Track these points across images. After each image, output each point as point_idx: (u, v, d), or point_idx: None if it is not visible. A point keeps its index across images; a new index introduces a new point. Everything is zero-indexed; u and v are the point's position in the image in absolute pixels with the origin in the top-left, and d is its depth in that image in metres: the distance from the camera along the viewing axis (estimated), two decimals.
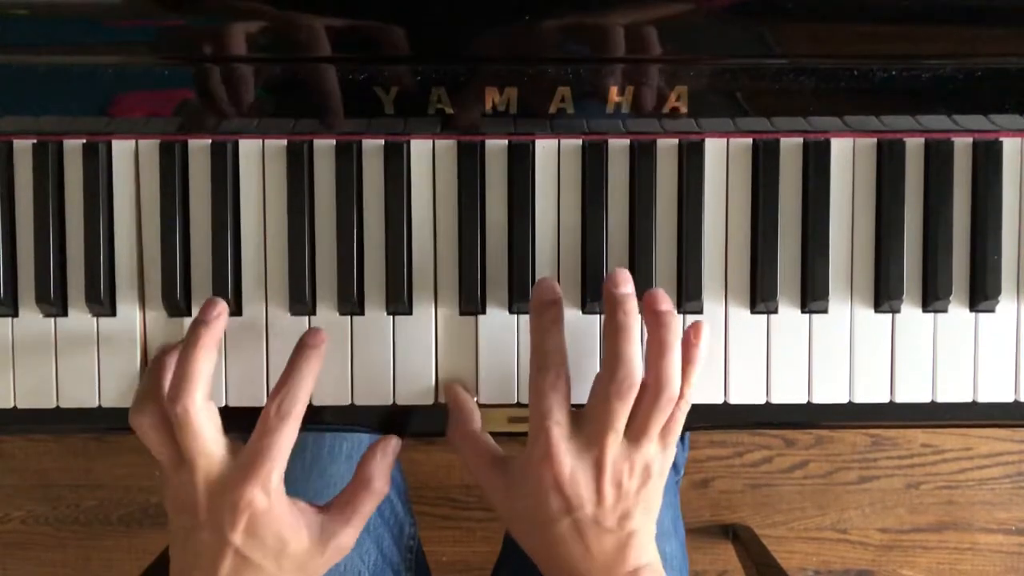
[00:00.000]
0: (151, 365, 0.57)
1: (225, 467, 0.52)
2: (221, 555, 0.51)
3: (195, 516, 0.52)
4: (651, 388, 0.51)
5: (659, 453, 0.53)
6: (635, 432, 0.52)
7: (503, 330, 0.59)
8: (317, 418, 0.58)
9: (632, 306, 0.52)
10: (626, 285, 0.53)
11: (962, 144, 0.58)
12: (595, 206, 0.58)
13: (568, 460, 0.51)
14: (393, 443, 0.57)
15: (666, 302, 0.53)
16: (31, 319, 0.58)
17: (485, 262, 0.58)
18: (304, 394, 0.54)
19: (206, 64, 0.55)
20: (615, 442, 0.51)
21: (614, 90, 0.55)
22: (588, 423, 0.52)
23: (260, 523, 0.51)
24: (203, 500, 0.52)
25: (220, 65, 0.55)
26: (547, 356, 0.53)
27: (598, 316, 0.58)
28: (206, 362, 0.53)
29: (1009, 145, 0.59)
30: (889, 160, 0.58)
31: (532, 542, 0.54)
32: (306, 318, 0.58)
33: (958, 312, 0.59)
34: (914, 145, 0.58)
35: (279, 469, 0.52)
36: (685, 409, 0.54)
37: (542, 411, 0.52)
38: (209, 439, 0.52)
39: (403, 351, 0.59)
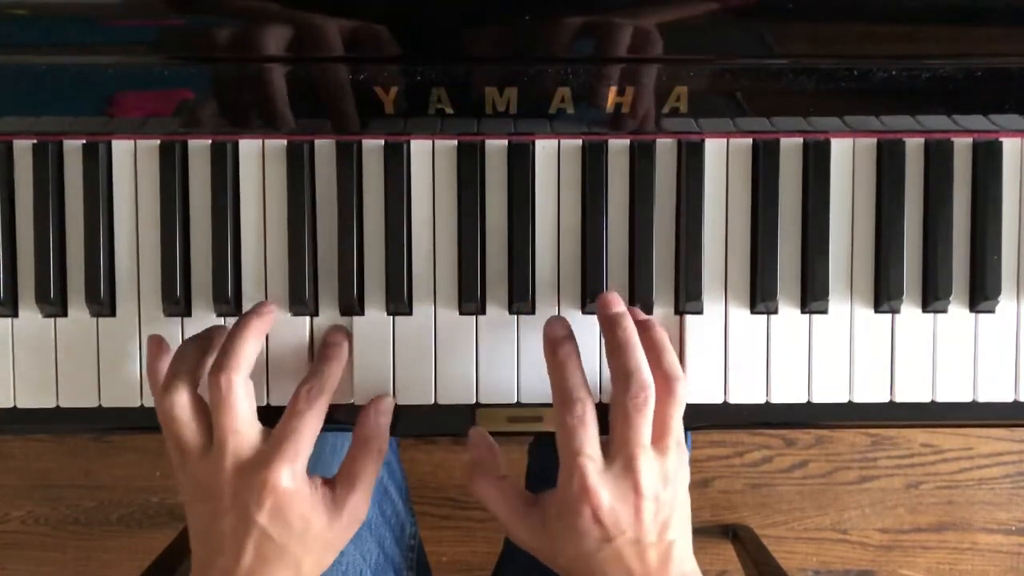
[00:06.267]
0: (175, 354, 0.56)
1: (254, 448, 0.52)
2: (246, 536, 0.51)
3: (219, 500, 0.52)
4: (659, 387, 0.52)
5: (676, 452, 0.53)
6: (657, 435, 0.52)
7: (503, 330, 0.59)
8: None
9: (629, 323, 0.53)
10: (619, 305, 0.55)
11: (962, 144, 0.58)
12: (595, 206, 0.58)
13: (605, 493, 0.50)
14: (387, 401, 0.58)
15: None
16: (31, 319, 0.58)
17: (485, 262, 0.58)
18: (331, 384, 0.55)
19: (206, 64, 0.55)
20: (647, 462, 0.51)
21: (614, 90, 0.55)
22: (617, 450, 0.51)
23: (286, 504, 0.51)
24: (229, 481, 0.51)
25: (220, 65, 0.55)
26: (569, 392, 0.52)
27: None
28: (253, 345, 0.53)
29: (1009, 145, 0.59)
30: (889, 160, 0.58)
31: (573, 573, 0.53)
32: (307, 318, 0.58)
33: (958, 312, 0.59)
34: (914, 145, 0.58)
35: (306, 453, 0.52)
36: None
37: (573, 448, 0.51)
38: (244, 418, 0.52)
39: (403, 351, 0.59)
